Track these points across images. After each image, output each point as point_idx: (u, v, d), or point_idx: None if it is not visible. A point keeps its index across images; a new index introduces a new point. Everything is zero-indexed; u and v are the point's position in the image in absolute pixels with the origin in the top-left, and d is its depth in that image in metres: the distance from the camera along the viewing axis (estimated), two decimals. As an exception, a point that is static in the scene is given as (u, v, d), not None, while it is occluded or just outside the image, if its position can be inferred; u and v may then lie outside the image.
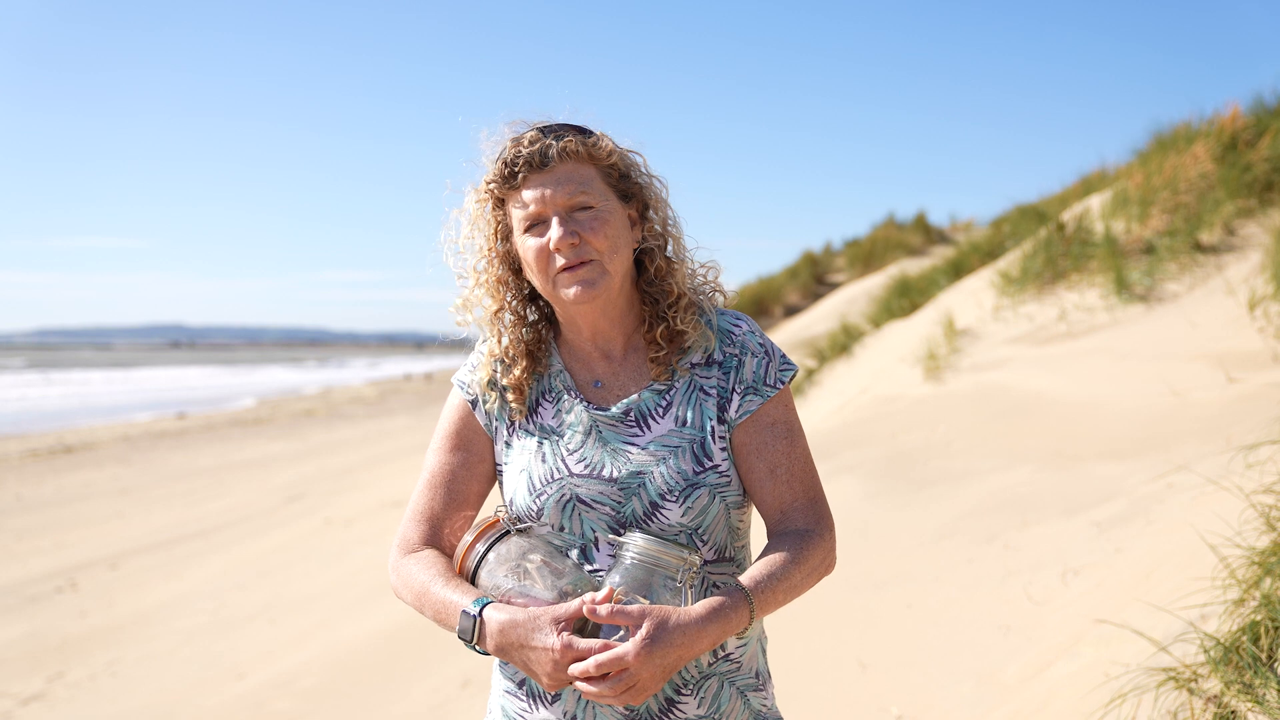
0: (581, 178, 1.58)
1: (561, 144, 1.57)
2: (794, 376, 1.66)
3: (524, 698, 1.63)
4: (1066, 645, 3.32)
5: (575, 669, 1.39)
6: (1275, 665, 2.21)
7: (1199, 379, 5.36)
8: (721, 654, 1.60)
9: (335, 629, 5.95)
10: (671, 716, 1.56)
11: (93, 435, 18.68)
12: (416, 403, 25.81)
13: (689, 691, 1.57)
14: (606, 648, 1.39)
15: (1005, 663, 3.49)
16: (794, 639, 4.10)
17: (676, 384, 1.63)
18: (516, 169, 1.58)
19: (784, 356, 1.67)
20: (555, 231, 1.56)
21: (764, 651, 1.69)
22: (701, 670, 1.58)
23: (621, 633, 1.42)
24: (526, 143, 1.58)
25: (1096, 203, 9.83)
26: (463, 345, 1.76)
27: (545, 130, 1.60)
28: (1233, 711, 2.19)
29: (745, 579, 1.49)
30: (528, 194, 1.58)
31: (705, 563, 1.59)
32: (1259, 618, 2.34)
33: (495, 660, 1.69)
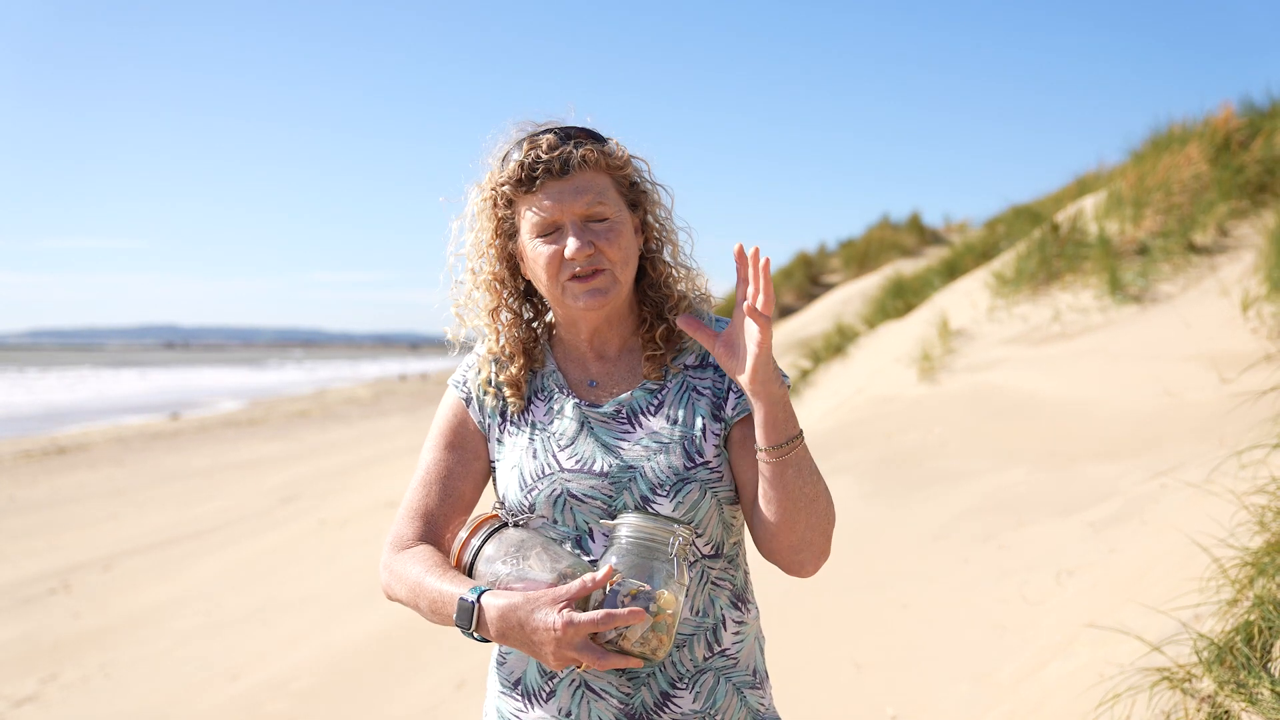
0: (598, 187, 1.60)
1: (581, 152, 1.58)
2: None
3: (519, 697, 1.63)
4: (1061, 645, 3.33)
5: (580, 650, 1.40)
6: (1269, 665, 2.21)
7: (1193, 380, 5.38)
8: (717, 649, 1.60)
9: (330, 630, 5.94)
10: (667, 711, 1.57)
11: (86, 436, 18.62)
12: (411, 403, 25.76)
13: (684, 686, 1.58)
14: (609, 618, 1.39)
15: (1000, 663, 3.50)
16: (789, 640, 4.10)
17: (669, 383, 1.65)
18: (536, 174, 1.58)
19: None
20: (573, 242, 1.57)
21: (762, 650, 1.69)
22: (697, 665, 1.59)
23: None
24: (546, 147, 1.57)
25: (1090, 204, 9.84)
26: (457, 346, 1.77)
27: (562, 135, 1.59)
28: (1226, 711, 2.20)
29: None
30: (546, 200, 1.58)
31: (702, 556, 1.60)
32: (1252, 618, 2.34)
33: (491, 661, 1.70)
